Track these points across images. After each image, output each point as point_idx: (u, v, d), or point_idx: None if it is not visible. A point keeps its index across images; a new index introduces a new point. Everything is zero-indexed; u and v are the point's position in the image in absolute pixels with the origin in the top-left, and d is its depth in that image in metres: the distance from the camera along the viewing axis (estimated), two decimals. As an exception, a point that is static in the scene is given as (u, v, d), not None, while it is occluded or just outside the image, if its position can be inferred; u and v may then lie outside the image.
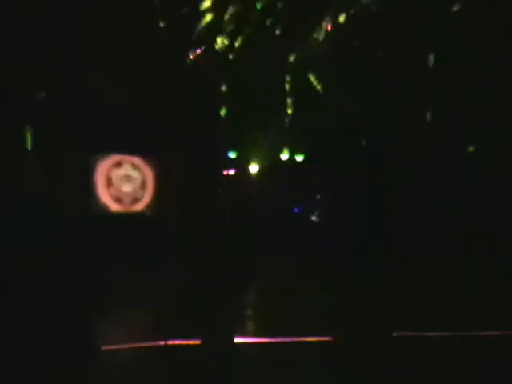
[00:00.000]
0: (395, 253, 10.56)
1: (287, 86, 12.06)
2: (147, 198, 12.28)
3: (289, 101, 12.01)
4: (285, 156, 12.61)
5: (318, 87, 11.78)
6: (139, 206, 12.19)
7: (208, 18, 10.88)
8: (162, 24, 10.66)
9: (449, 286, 9.08)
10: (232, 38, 11.21)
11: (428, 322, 7.00)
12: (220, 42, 10.78)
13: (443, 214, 11.16)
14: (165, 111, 11.85)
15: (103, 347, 5.38)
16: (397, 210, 11.64)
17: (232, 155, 12.62)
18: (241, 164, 12.70)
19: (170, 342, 6.17)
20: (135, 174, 12.23)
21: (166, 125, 11.95)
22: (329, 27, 10.71)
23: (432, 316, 7.27)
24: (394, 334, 6.58)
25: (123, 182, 12.05)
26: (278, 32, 11.14)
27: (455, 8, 8.40)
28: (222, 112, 12.17)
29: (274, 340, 6.53)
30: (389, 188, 11.87)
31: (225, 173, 12.75)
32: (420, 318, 7.13)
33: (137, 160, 12.23)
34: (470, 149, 10.60)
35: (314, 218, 12.96)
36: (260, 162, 12.71)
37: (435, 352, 5.92)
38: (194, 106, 12.07)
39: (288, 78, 11.83)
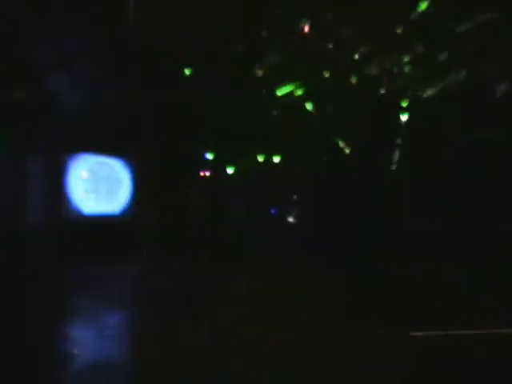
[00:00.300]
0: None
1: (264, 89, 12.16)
2: (122, 198, 12.25)
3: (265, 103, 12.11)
4: (261, 157, 12.62)
5: (298, 92, 11.90)
6: (114, 206, 12.16)
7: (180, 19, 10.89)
8: (137, 22, 10.68)
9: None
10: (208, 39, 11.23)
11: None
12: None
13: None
14: (141, 111, 11.82)
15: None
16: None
17: (209, 156, 12.59)
18: (217, 165, 12.69)
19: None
20: (110, 174, 12.19)
21: (142, 125, 11.90)
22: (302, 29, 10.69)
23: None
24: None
25: (97, 182, 12.02)
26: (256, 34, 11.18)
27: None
28: (199, 113, 12.23)
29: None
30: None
31: (201, 174, 12.73)
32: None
33: (112, 160, 12.19)
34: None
35: (290, 219, 12.95)
36: (237, 164, 12.67)
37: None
38: (171, 107, 12.06)
39: (266, 81, 11.92)
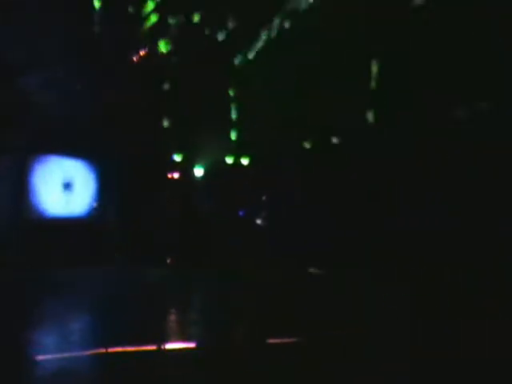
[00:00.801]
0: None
1: (231, 90, 12.18)
2: (89, 199, 12.14)
3: (233, 104, 12.14)
4: (230, 159, 12.62)
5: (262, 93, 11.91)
6: (81, 208, 12.08)
7: (151, 20, 10.99)
8: (103, 25, 10.67)
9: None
10: (175, 41, 11.31)
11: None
12: (163, 45, 10.91)
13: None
14: (108, 112, 11.75)
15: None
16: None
17: (177, 158, 12.56)
18: (186, 167, 12.66)
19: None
20: (77, 176, 12.08)
21: (109, 126, 11.80)
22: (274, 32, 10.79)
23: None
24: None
25: (64, 184, 11.93)
26: (222, 36, 11.27)
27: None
28: (167, 114, 12.22)
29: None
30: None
31: (169, 176, 12.68)
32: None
33: (78, 161, 12.10)
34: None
35: (258, 221, 12.93)
36: (205, 165, 12.65)
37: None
38: (138, 108, 12.01)
39: (232, 82, 11.95)
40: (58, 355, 5.61)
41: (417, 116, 11.52)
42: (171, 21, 11.36)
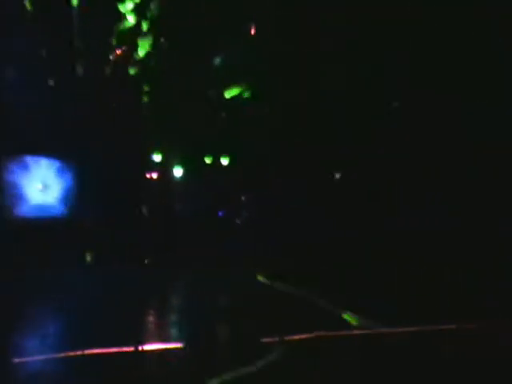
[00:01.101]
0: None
1: (210, 90, 12.16)
2: (65, 199, 12.08)
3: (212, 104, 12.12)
4: (209, 159, 12.59)
5: (245, 94, 11.94)
6: (58, 207, 11.97)
7: (129, 21, 10.96)
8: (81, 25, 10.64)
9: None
10: (154, 41, 11.29)
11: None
12: (141, 44, 10.91)
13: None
14: (86, 112, 11.66)
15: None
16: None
17: (156, 158, 12.50)
18: (165, 167, 12.61)
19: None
20: (53, 176, 12.00)
21: (87, 125, 11.72)
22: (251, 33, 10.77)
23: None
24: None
25: (39, 183, 11.83)
26: (199, 36, 11.24)
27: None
28: (146, 114, 12.17)
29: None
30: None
31: (148, 175, 12.61)
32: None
33: (54, 161, 12.03)
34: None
35: (237, 221, 12.91)
36: (184, 165, 12.61)
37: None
38: (117, 107, 11.94)
39: (210, 83, 11.94)
40: (35, 357, 5.56)
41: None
42: (147, 20, 11.32)
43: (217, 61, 11.74)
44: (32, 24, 10.90)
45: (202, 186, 12.74)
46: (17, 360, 5.42)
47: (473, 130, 11.06)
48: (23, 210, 11.58)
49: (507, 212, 10.83)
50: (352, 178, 12.17)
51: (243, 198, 13.07)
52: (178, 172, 12.58)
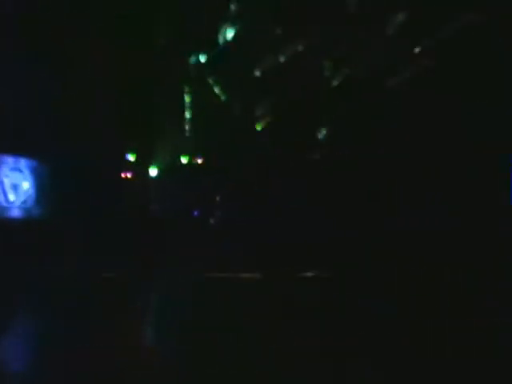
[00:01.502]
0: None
1: (186, 90, 12.13)
2: (40, 200, 11.94)
3: (188, 104, 12.09)
4: (184, 159, 12.54)
5: (221, 96, 11.92)
6: (31, 208, 11.88)
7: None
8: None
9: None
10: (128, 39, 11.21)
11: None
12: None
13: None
14: (59, 111, 11.54)
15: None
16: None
17: (130, 157, 12.44)
18: (140, 166, 12.54)
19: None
20: (27, 176, 11.83)
21: (60, 125, 11.56)
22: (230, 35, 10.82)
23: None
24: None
25: (12, 184, 11.65)
26: (179, 35, 11.24)
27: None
28: (121, 113, 12.08)
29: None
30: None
31: (123, 175, 12.52)
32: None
33: (28, 161, 11.86)
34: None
35: (212, 221, 12.84)
36: (159, 165, 12.55)
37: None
38: (91, 107, 11.85)
39: (188, 82, 11.92)
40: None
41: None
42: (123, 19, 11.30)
43: (191, 60, 11.68)
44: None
45: (177, 186, 12.63)
46: None
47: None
48: None
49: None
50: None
51: (217, 198, 13.00)
52: (152, 172, 12.48)
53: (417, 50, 11.02)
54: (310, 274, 10.71)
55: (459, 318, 7.07)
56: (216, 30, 11.76)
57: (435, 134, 11.41)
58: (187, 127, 12.38)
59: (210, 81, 12.00)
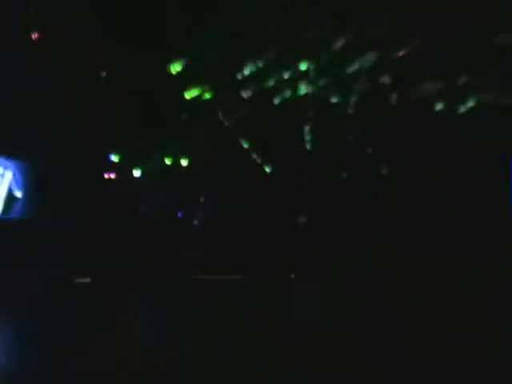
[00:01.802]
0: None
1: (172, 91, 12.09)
2: (25, 201, 11.79)
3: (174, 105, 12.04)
4: (169, 160, 12.49)
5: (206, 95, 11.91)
6: (14, 210, 11.76)
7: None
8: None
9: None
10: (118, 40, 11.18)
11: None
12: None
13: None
14: (43, 111, 11.43)
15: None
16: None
17: (114, 158, 12.38)
18: (123, 167, 12.48)
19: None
20: (8, 176, 11.72)
21: (43, 125, 11.36)
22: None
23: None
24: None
25: None
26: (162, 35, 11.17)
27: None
28: (105, 113, 12.01)
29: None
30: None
31: (106, 176, 12.45)
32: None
33: (12, 162, 11.75)
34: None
35: (195, 222, 12.80)
36: (144, 166, 12.51)
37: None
38: (75, 107, 11.76)
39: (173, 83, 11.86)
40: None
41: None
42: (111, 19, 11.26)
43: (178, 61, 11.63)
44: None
45: (161, 187, 12.57)
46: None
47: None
48: None
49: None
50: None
51: (201, 199, 12.97)
52: (136, 173, 12.41)
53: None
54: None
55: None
56: (208, 31, 11.74)
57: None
58: (173, 128, 12.33)
59: (198, 81, 11.96)
